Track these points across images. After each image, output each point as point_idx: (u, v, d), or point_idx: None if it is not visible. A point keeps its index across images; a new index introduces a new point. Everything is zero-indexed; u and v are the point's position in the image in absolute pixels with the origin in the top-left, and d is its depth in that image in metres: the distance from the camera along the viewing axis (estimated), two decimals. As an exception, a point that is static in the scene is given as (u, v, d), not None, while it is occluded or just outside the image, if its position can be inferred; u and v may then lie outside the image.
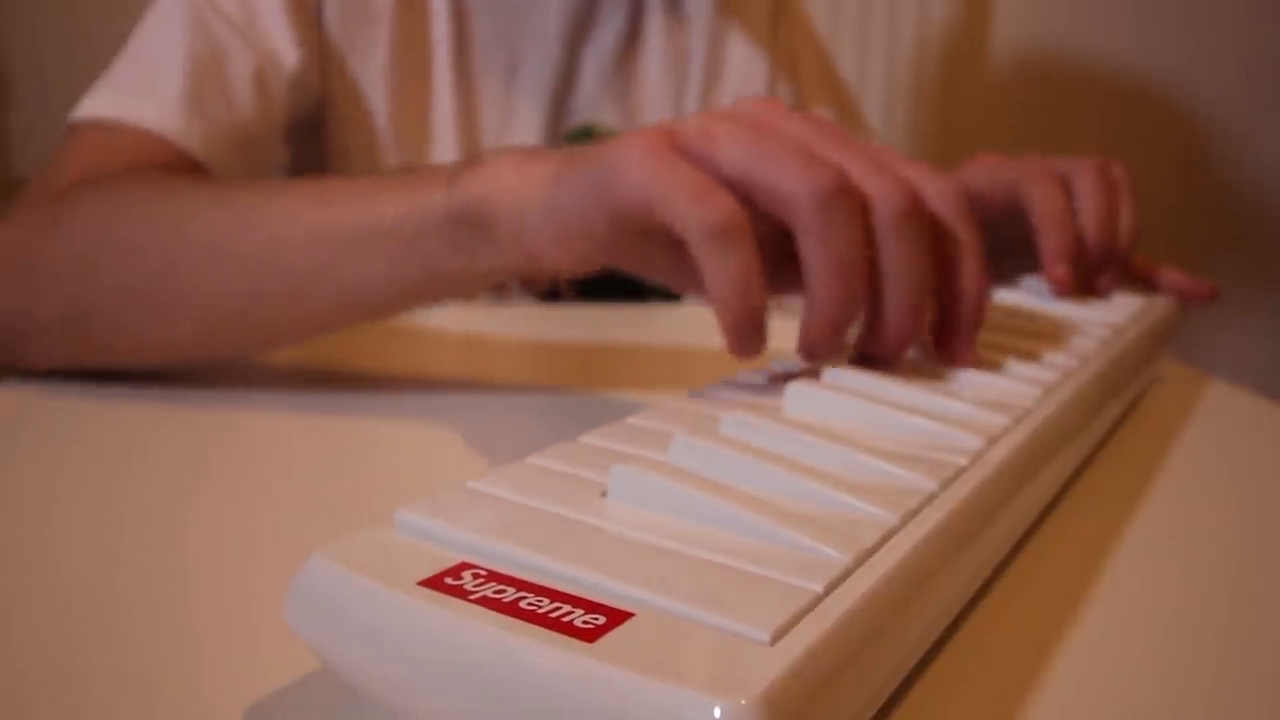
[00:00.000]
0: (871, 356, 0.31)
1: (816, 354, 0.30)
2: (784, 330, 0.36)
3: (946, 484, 0.23)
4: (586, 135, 0.70)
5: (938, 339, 0.32)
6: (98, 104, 0.53)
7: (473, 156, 0.37)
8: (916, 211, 0.29)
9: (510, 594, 0.17)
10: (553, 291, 0.71)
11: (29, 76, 1.36)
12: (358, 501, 0.33)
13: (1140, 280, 0.52)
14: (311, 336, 0.42)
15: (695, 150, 0.29)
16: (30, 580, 0.26)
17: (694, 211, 0.28)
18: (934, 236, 0.30)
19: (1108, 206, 0.46)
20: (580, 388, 0.46)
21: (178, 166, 0.52)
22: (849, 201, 0.28)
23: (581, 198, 0.31)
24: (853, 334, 0.31)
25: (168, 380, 0.43)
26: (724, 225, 0.28)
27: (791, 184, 0.28)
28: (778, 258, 0.31)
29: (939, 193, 0.31)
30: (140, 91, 0.53)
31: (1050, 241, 0.45)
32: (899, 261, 0.29)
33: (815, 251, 0.28)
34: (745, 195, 0.29)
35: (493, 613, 0.17)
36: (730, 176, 0.29)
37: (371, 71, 0.64)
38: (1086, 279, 0.46)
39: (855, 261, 0.28)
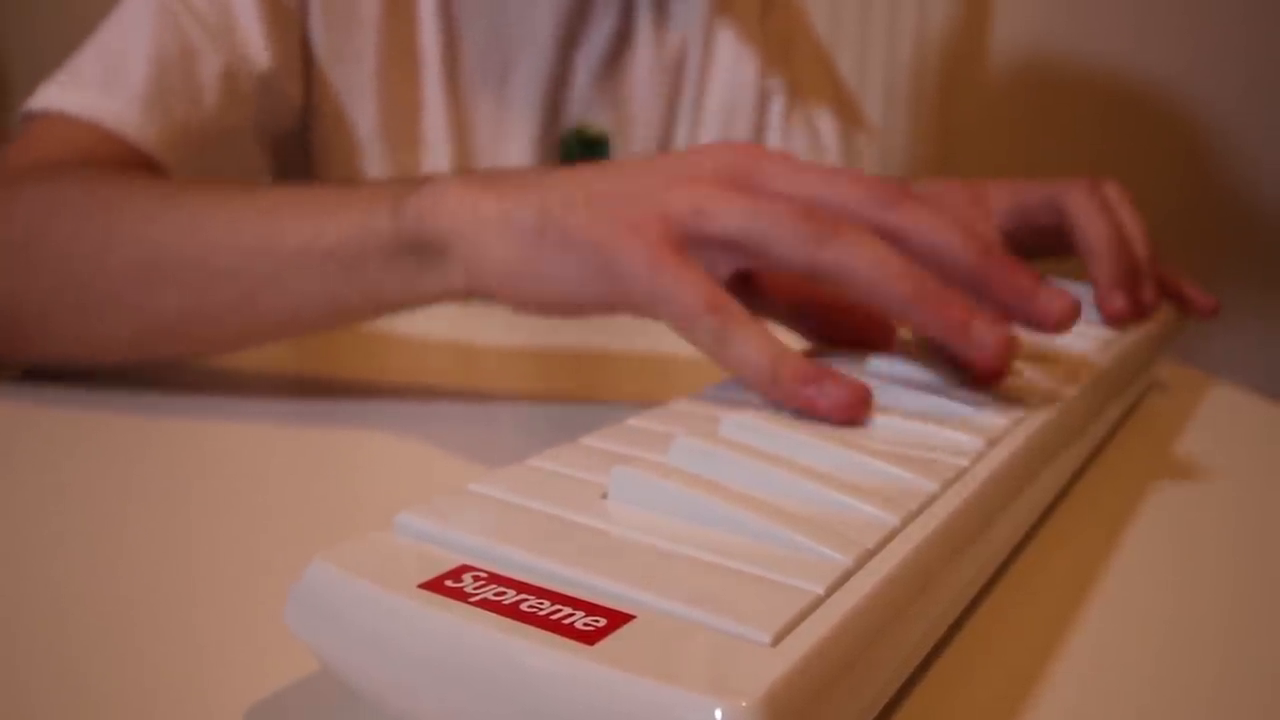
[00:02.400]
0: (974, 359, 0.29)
1: (996, 356, 0.28)
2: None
3: (948, 485, 0.23)
4: (579, 137, 0.70)
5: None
6: (57, 96, 0.52)
7: (416, 178, 0.36)
8: (905, 198, 0.30)
9: (511, 596, 0.17)
10: None
11: (29, 76, 1.36)
12: (358, 506, 0.33)
13: (1169, 293, 0.51)
14: (256, 346, 0.42)
15: (693, 234, 0.30)
16: (31, 584, 0.26)
17: (708, 325, 0.29)
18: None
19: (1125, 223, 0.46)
20: (579, 392, 0.46)
21: (134, 167, 0.51)
22: (852, 227, 0.29)
23: (575, 277, 0.31)
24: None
25: (165, 386, 0.43)
26: (735, 329, 0.29)
27: (791, 249, 0.29)
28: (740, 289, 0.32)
29: (883, 199, 0.31)
30: (101, 87, 0.52)
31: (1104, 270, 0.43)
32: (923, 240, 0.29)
33: (871, 286, 0.28)
34: (735, 253, 0.30)
35: (493, 615, 0.17)
36: (726, 243, 0.30)
37: (359, 79, 0.64)
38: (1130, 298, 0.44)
39: (897, 266, 0.28)
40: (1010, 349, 0.28)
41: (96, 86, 0.52)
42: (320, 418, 0.40)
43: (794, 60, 0.78)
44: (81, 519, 0.30)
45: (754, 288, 0.34)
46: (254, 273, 0.37)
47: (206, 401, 0.41)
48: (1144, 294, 0.44)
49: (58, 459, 0.35)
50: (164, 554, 0.28)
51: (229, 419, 0.39)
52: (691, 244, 0.30)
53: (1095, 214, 0.45)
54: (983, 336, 0.28)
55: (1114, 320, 0.41)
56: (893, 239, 0.29)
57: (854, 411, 0.26)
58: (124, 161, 0.51)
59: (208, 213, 0.39)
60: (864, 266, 0.28)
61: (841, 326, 0.35)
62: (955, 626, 0.24)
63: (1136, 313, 0.42)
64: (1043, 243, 0.48)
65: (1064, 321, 0.29)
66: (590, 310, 0.33)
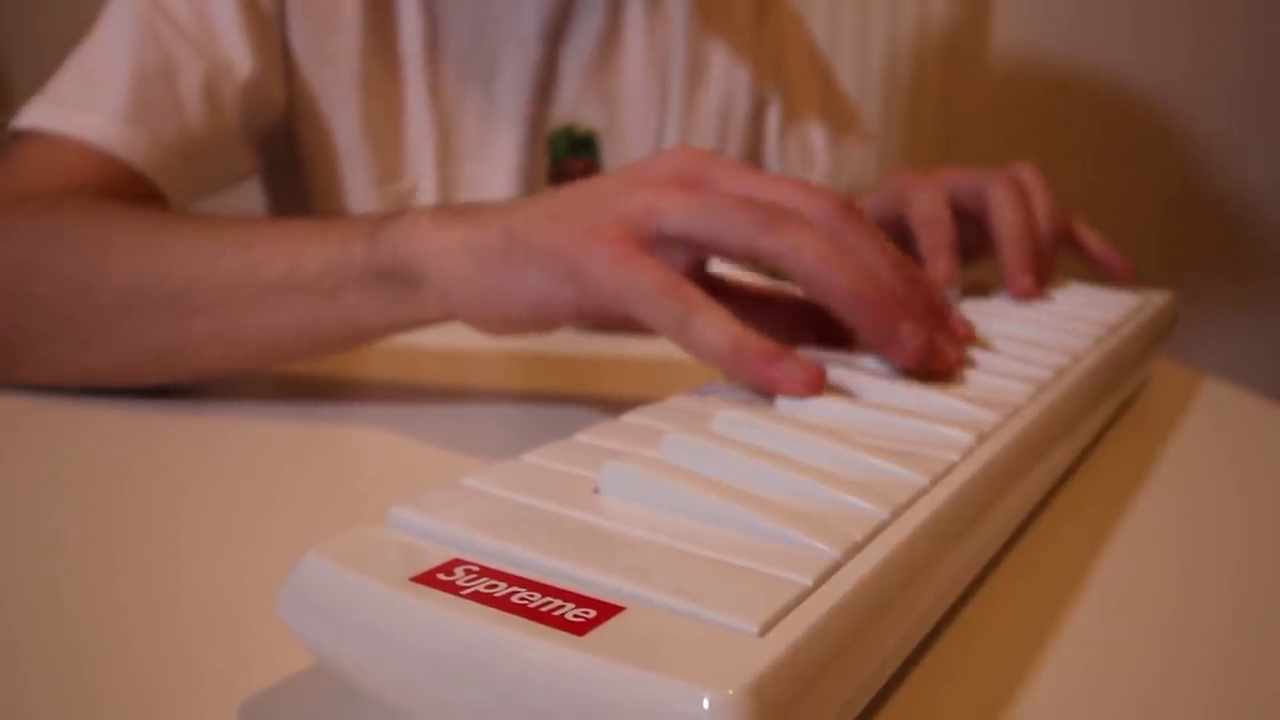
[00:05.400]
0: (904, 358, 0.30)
1: (917, 346, 0.30)
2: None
3: (937, 480, 0.23)
4: (568, 136, 0.70)
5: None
6: (43, 115, 0.52)
7: (391, 211, 0.37)
8: (850, 214, 0.31)
9: (502, 589, 0.17)
10: None
11: (29, 76, 1.36)
12: (352, 501, 0.33)
13: (1075, 248, 0.53)
14: (236, 373, 0.42)
15: (648, 231, 0.31)
16: (26, 582, 0.26)
17: (671, 309, 0.30)
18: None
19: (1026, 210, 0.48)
20: (575, 392, 0.46)
21: (123, 183, 0.52)
22: (797, 218, 0.30)
23: (544, 287, 0.32)
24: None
25: (157, 388, 0.43)
26: (697, 312, 0.30)
27: (739, 236, 0.30)
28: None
29: (829, 212, 0.32)
30: (85, 105, 0.52)
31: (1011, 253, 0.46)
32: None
33: (816, 277, 0.30)
34: (688, 246, 0.32)
35: (484, 607, 0.17)
36: (678, 238, 0.31)
37: (341, 81, 0.64)
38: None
39: (839, 258, 0.30)
40: (931, 355, 0.30)
41: (79, 104, 0.52)
42: (315, 415, 0.40)
43: (788, 66, 0.78)
44: (75, 515, 0.30)
45: (721, 289, 0.35)
46: (235, 303, 0.38)
47: (200, 399, 0.42)
48: (1046, 271, 0.47)
49: (52, 455, 0.35)
50: (158, 550, 0.28)
51: (222, 416, 0.40)
52: (648, 241, 0.31)
53: (1010, 205, 0.47)
54: (907, 338, 0.29)
55: (1021, 299, 0.44)
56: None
57: (809, 389, 0.28)
58: (113, 180, 0.51)
59: (191, 246, 0.40)
60: (808, 255, 0.30)
61: (806, 325, 0.36)
62: (945, 620, 0.24)
63: (1040, 291, 0.46)
64: (968, 229, 0.50)
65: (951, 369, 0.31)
66: (558, 319, 0.34)
